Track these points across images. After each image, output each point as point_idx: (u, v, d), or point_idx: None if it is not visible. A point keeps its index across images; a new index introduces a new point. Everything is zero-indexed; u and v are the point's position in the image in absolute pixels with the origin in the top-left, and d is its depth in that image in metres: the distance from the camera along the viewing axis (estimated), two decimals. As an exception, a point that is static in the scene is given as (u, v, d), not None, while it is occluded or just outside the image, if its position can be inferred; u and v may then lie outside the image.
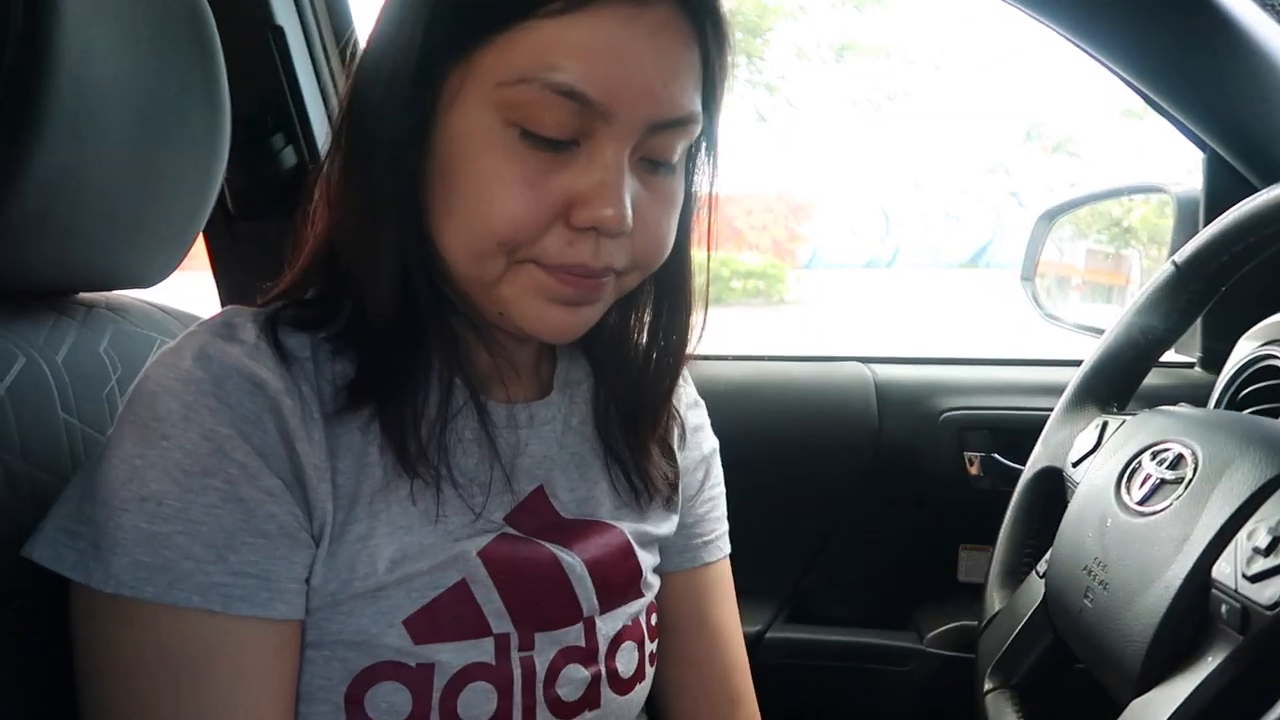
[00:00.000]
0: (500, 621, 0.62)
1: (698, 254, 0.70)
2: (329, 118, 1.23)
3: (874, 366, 1.32)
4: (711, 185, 0.67)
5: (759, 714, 0.81)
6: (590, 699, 0.66)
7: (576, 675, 0.65)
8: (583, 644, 0.66)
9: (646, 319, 0.71)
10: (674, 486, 0.75)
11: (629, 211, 0.56)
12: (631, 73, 0.54)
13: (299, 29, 1.19)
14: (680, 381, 0.75)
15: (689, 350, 0.71)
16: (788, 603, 1.25)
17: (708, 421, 0.83)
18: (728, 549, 0.82)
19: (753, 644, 1.20)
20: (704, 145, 0.65)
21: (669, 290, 0.69)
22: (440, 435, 0.61)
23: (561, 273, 0.57)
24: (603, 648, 0.67)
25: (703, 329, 0.71)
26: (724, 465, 0.84)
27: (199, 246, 1.04)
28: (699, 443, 0.81)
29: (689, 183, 0.65)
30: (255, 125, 1.16)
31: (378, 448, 0.59)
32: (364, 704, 0.57)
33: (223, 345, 0.56)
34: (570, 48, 0.53)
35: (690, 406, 0.81)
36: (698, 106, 0.59)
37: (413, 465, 0.59)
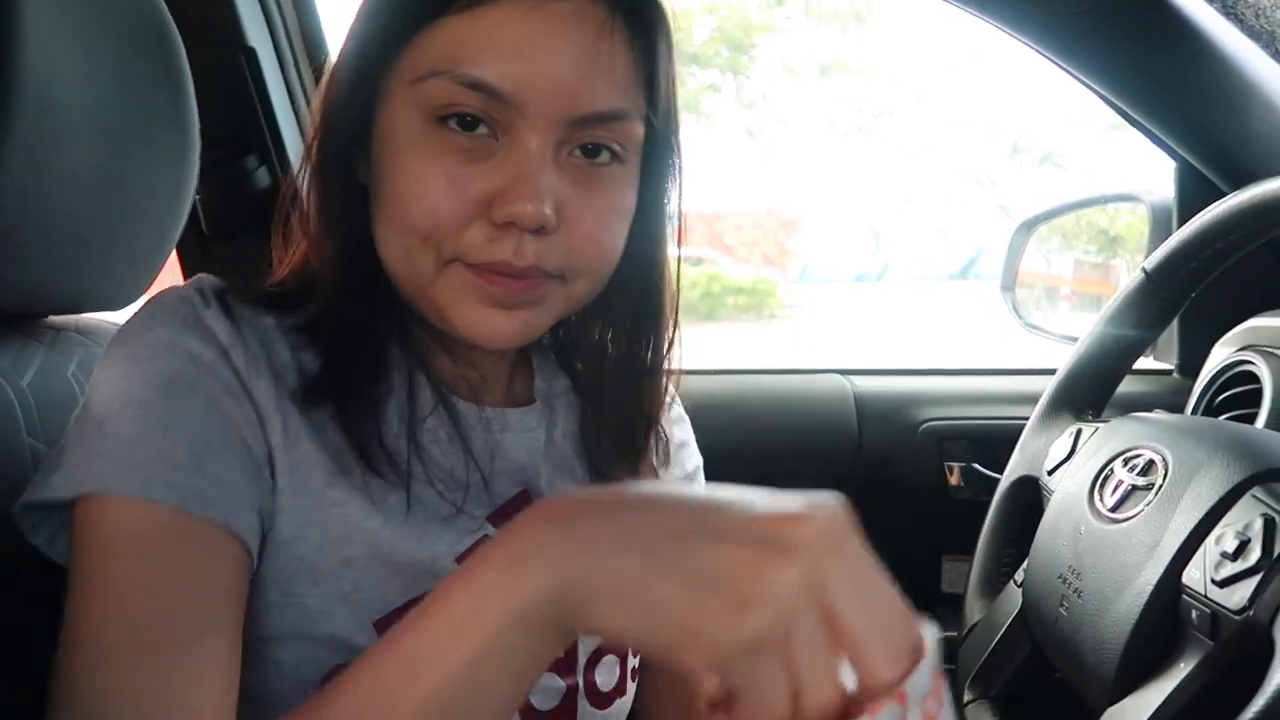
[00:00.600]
0: None
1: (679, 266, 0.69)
2: (303, 138, 1.23)
3: (853, 378, 1.32)
4: (679, 191, 0.66)
5: None
6: (567, 710, 0.65)
7: (552, 685, 0.64)
8: (561, 654, 0.65)
9: (623, 335, 0.70)
10: None
11: (547, 207, 0.55)
12: (538, 65, 0.55)
13: (271, 50, 1.20)
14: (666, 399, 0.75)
15: (668, 365, 0.70)
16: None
17: (692, 438, 0.82)
18: None
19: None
20: (661, 148, 0.63)
21: (640, 303, 0.68)
22: (411, 433, 0.61)
23: (487, 272, 0.57)
24: (582, 659, 0.66)
25: (678, 343, 0.70)
26: (705, 478, 0.83)
27: (175, 267, 1.03)
28: (682, 461, 0.80)
29: (652, 188, 0.64)
30: (229, 146, 1.17)
31: (346, 444, 0.59)
32: None
33: (192, 297, 0.58)
34: (476, 41, 0.54)
35: (675, 422, 0.80)
36: (629, 102, 0.58)
37: (377, 462, 0.59)
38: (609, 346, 0.70)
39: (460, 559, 0.61)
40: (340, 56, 0.62)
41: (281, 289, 0.64)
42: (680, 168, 0.66)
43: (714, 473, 0.86)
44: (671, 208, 0.67)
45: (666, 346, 0.70)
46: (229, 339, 0.57)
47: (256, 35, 1.17)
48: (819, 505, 0.39)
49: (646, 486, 0.45)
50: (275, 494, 0.57)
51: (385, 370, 0.62)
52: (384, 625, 0.58)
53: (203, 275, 0.61)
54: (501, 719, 0.44)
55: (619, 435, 0.71)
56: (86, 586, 0.51)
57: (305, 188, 0.65)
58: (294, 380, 0.59)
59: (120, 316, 0.78)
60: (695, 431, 0.83)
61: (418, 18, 0.56)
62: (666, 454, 0.77)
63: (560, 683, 0.65)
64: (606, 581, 0.39)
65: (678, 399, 0.80)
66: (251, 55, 1.15)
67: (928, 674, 0.38)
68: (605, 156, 0.59)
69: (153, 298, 0.59)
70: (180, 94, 0.73)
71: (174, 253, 0.79)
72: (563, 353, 0.74)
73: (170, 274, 0.83)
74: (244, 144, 1.18)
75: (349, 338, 0.61)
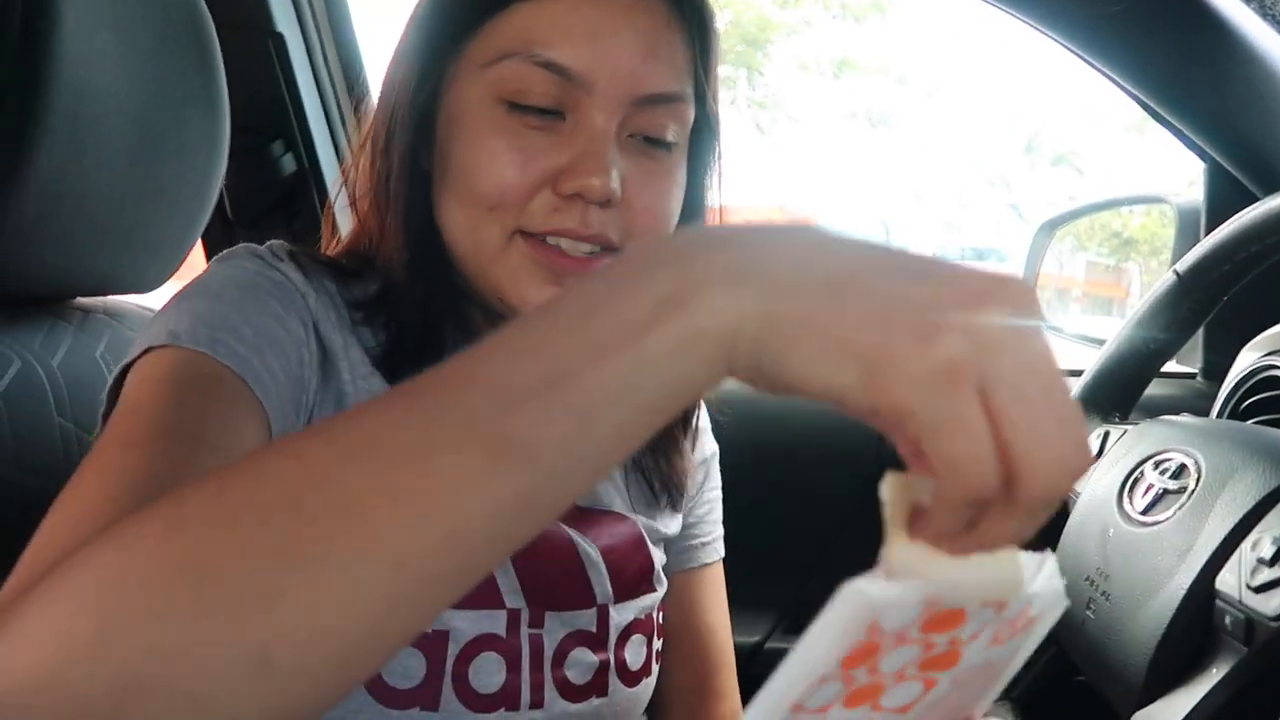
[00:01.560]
0: (514, 597, 0.63)
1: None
2: (329, 125, 1.23)
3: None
4: (719, 176, 0.69)
5: (741, 711, 0.80)
6: (599, 686, 0.67)
7: (585, 659, 0.66)
8: (594, 629, 0.67)
9: None
10: (671, 485, 0.76)
11: (614, 180, 0.58)
12: (608, 47, 0.58)
13: (299, 36, 1.19)
14: None
15: None
16: (787, 613, 1.24)
17: (709, 424, 0.84)
18: (722, 552, 0.82)
19: (750, 654, 1.19)
20: (706, 135, 0.67)
21: None
22: None
23: (549, 249, 0.59)
24: (613, 636, 0.68)
25: None
26: (725, 474, 0.83)
27: (199, 255, 1.03)
28: (702, 445, 0.81)
29: (697, 172, 0.67)
30: (255, 133, 1.16)
31: None
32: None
33: (268, 251, 0.61)
34: (548, 25, 0.58)
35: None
36: (684, 87, 0.62)
37: None
38: None
39: None
40: (402, 44, 0.64)
41: (338, 263, 0.66)
42: (720, 155, 0.69)
43: (737, 467, 0.86)
44: (712, 194, 0.70)
45: None
46: (304, 287, 0.60)
47: (285, 21, 1.16)
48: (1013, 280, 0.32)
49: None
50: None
51: (440, 354, 0.63)
52: None
53: (271, 240, 0.63)
54: (643, 434, 0.33)
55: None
56: (124, 407, 0.51)
57: (353, 174, 0.67)
58: (361, 356, 0.61)
59: (148, 300, 0.79)
60: (716, 426, 0.84)
61: (490, 5, 0.59)
62: (694, 439, 0.79)
63: (593, 658, 0.67)
64: (793, 310, 0.31)
65: None
66: (280, 41, 1.15)
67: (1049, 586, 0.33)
68: (663, 148, 0.62)
69: (230, 250, 0.61)
70: (212, 79, 0.72)
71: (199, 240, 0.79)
72: None
73: (196, 260, 0.83)
74: (271, 131, 1.18)
75: (409, 315, 0.63)
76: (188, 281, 0.58)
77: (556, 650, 0.65)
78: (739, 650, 0.83)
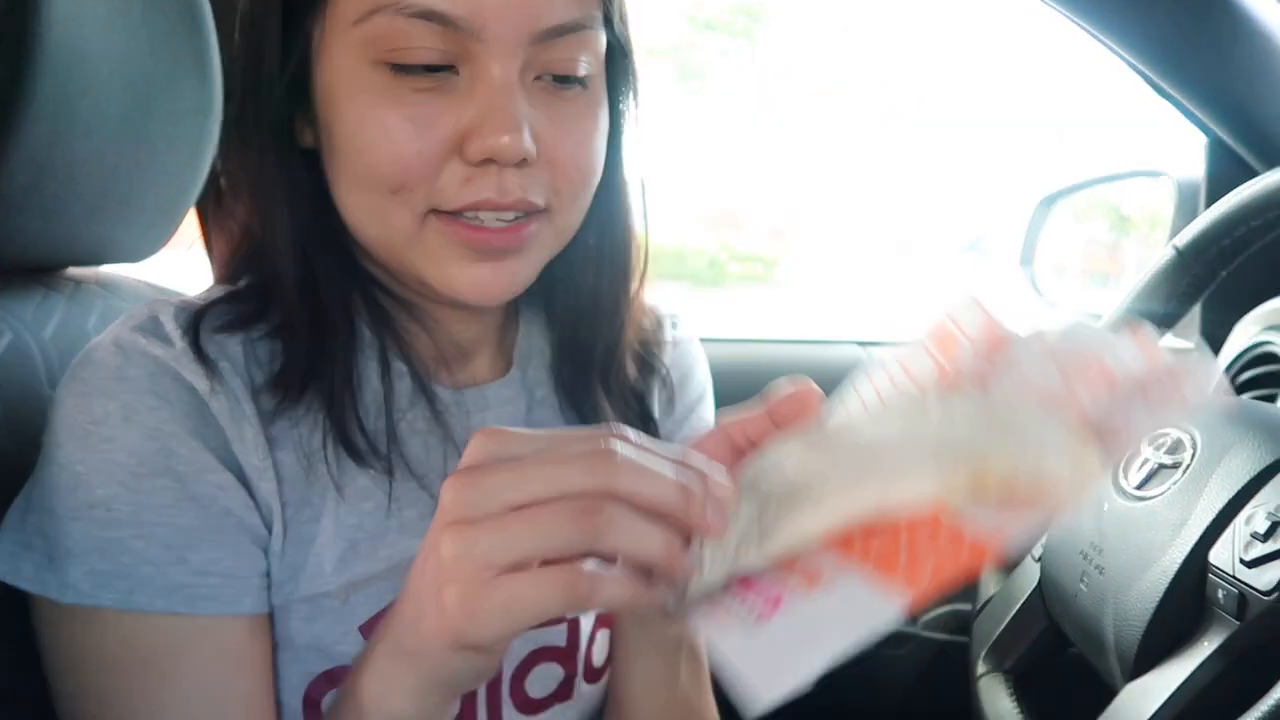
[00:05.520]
0: None
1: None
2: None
3: (870, 349, 1.31)
4: (635, 102, 0.61)
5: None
6: (563, 693, 0.64)
7: (552, 673, 0.63)
8: (563, 644, 0.64)
9: (590, 265, 0.63)
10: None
11: (527, 137, 0.50)
12: None
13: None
14: (647, 324, 0.69)
15: (634, 281, 0.65)
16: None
17: (698, 364, 0.75)
18: None
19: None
20: (620, 61, 0.59)
21: (608, 229, 0.62)
22: (389, 423, 0.57)
23: (468, 225, 0.52)
24: (584, 645, 0.64)
25: (646, 260, 0.65)
26: None
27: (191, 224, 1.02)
28: (685, 394, 0.74)
29: (615, 107, 0.59)
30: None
31: (323, 441, 0.55)
32: (323, 706, 0.55)
33: (150, 342, 0.53)
34: None
35: (675, 352, 0.73)
36: (589, 9, 0.53)
37: (362, 456, 0.55)
38: (576, 279, 0.64)
39: None
40: (252, 5, 0.55)
41: (235, 291, 0.59)
42: (637, 83, 0.61)
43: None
44: (631, 128, 0.62)
45: (637, 275, 0.65)
46: (204, 386, 0.52)
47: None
48: None
49: None
50: (272, 538, 0.54)
51: (357, 359, 0.58)
52: (369, 630, 0.56)
53: (156, 304, 0.55)
54: None
55: (596, 369, 0.66)
56: (85, 700, 0.50)
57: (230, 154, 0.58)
58: (270, 390, 0.55)
59: (141, 270, 0.78)
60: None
61: None
62: (670, 399, 0.72)
63: (561, 671, 0.63)
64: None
65: (673, 329, 0.74)
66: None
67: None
68: (577, 85, 0.54)
69: (105, 339, 0.53)
70: (203, 45, 0.71)
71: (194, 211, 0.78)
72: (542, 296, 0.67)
73: (189, 230, 0.83)
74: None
75: (316, 322, 0.56)
76: (70, 416, 0.50)
77: (516, 670, 0.61)
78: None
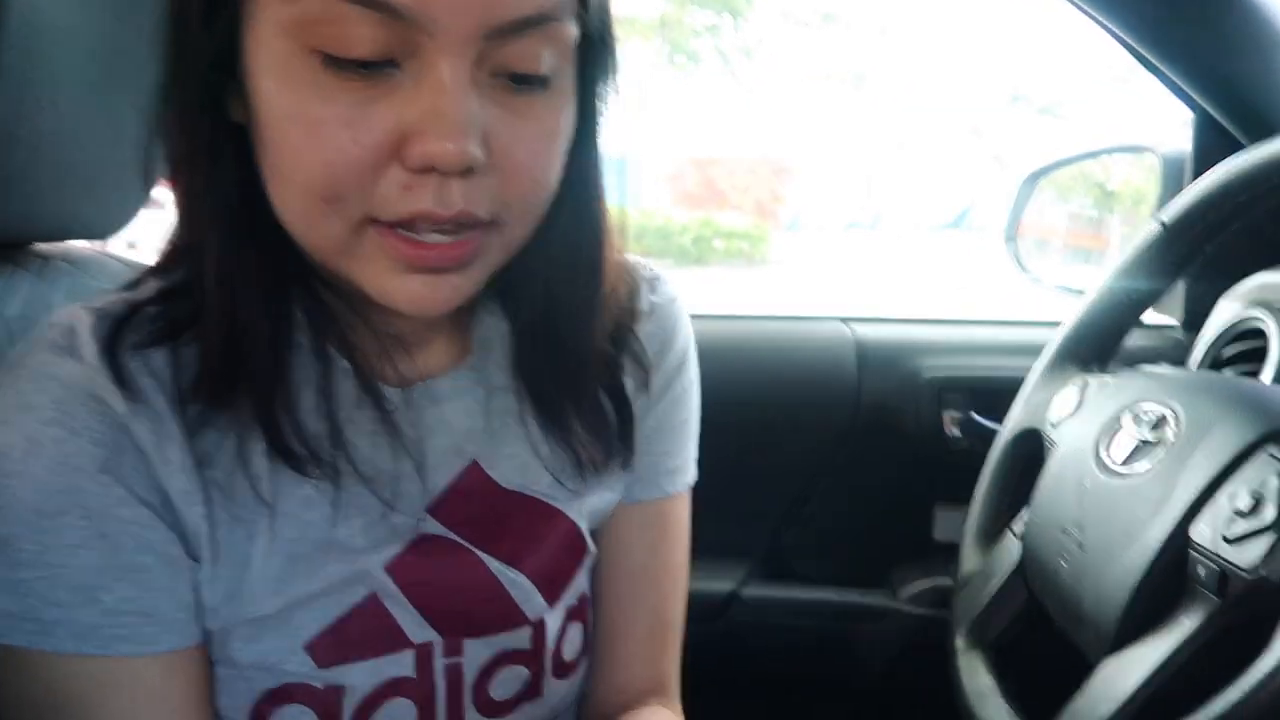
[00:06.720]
0: (421, 631, 0.57)
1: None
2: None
3: (854, 325, 1.31)
4: (614, 90, 0.56)
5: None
6: (530, 692, 0.63)
7: (517, 675, 0.62)
8: (528, 646, 0.62)
9: (562, 270, 0.59)
10: (617, 446, 0.65)
11: (472, 144, 0.45)
12: None
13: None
14: (623, 295, 0.64)
15: (606, 283, 0.60)
16: (763, 561, 1.25)
17: (679, 326, 0.71)
18: (692, 479, 0.74)
19: (726, 602, 1.20)
20: (598, 54, 0.53)
21: (579, 231, 0.57)
22: (332, 426, 0.53)
23: (408, 238, 0.47)
24: (551, 643, 0.63)
25: (619, 248, 0.61)
26: (701, 424, 0.82)
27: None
28: (663, 360, 0.70)
29: (589, 100, 0.54)
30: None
31: (261, 451, 0.52)
32: None
33: (61, 363, 0.49)
34: None
35: (649, 321, 0.68)
36: (554, 1, 0.47)
37: (301, 464, 0.52)
38: (545, 284, 0.59)
39: (390, 569, 0.56)
40: None
41: (168, 288, 0.54)
42: (616, 74, 0.55)
43: (714, 416, 0.85)
44: (610, 132, 0.57)
45: (602, 249, 0.60)
46: (125, 409, 0.48)
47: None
48: None
49: None
50: (201, 565, 0.52)
51: (294, 358, 0.53)
52: (317, 647, 0.54)
53: (73, 316, 0.51)
54: None
55: (563, 367, 0.62)
56: None
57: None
58: (194, 413, 0.51)
59: (109, 246, 0.77)
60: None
61: None
62: (646, 378, 0.68)
63: (527, 671, 0.62)
64: None
65: (651, 294, 0.69)
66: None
67: None
68: (537, 85, 0.48)
69: (15, 362, 0.50)
70: (171, 12, 0.70)
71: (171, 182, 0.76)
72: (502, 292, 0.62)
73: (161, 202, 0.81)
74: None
75: (245, 320, 0.50)
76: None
77: (479, 674, 0.59)
78: (713, 599, 0.82)
